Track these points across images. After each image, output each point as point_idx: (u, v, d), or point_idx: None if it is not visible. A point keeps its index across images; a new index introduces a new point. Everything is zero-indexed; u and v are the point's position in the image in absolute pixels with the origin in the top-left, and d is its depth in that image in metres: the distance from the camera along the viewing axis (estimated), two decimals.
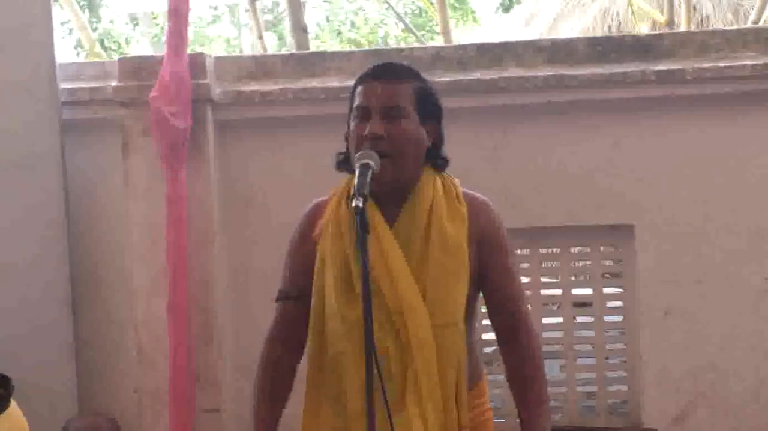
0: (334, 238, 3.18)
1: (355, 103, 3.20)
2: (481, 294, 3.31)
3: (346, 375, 3.13)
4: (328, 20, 21.63)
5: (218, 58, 5.79)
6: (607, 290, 5.77)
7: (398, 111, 3.16)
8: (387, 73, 3.22)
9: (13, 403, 3.58)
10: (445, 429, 3.13)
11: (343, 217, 3.19)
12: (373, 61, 5.52)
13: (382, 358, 2.98)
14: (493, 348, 5.78)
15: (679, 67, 5.42)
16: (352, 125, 3.19)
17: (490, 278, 3.24)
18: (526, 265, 5.80)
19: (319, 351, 3.20)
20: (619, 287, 5.73)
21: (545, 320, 5.75)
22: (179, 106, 5.37)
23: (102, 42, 18.50)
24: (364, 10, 21.70)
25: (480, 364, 3.41)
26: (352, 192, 2.95)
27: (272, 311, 3.38)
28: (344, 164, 3.27)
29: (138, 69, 5.56)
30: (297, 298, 3.28)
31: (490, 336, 5.69)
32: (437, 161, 3.30)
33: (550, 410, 3.32)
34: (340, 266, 3.15)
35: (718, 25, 12.39)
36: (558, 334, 5.73)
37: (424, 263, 3.15)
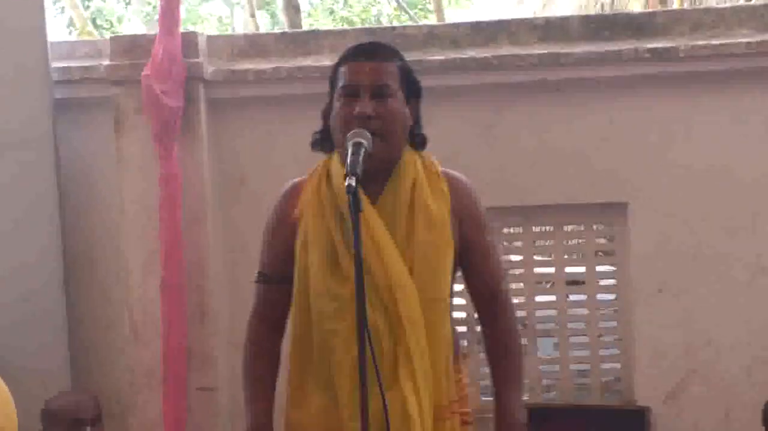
0: (316, 217, 3.19)
1: (342, 83, 3.19)
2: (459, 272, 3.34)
3: (334, 353, 3.13)
4: None
5: (211, 37, 5.77)
6: (600, 268, 5.78)
7: (387, 90, 3.18)
8: (373, 52, 3.24)
9: None
10: (437, 402, 3.17)
11: (324, 196, 3.20)
12: (366, 39, 5.54)
13: (374, 335, 2.99)
14: None
15: (673, 45, 5.42)
16: (338, 104, 3.18)
17: (471, 256, 3.28)
18: (519, 243, 5.81)
19: (304, 332, 3.20)
20: (613, 265, 5.73)
21: (538, 299, 5.76)
22: (171, 85, 5.36)
23: (94, 21, 18.43)
24: None
25: (458, 339, 3.42)
26: (345, 170, 2.95)
27: None
28: (322, 143, 3.28)
29: (130, 48, 5.55)
30: (277, 280, 3.29)
31: None
32: (417, 139, 3.29)
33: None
34: (325, 245, 3.16)
35: (711, 3, 12.38)
36: (551, 312, 5.74)
37: (410, 240, 3.17)
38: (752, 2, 9.29)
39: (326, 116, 3.26)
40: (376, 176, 3.15)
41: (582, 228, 5.75)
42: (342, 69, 3.22)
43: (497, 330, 3.32)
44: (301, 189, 3.27)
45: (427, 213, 3.19)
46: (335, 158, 3.24)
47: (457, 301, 5.26)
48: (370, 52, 3.22)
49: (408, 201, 3.19)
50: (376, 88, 3.16)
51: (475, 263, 3.28)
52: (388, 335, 3.12)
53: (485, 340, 3.35)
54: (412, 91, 3.28)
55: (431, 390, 3.15)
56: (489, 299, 3.31)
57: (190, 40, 5.53)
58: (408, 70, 3.27)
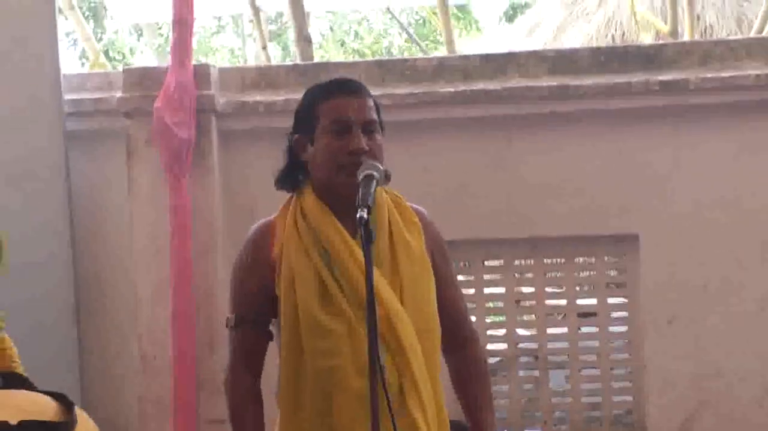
0: (298, 254, 3.15)
1: (331, 118, 3.16)
2: None
3: (337, 389, 3.10)
4: (331, 30, 21.65)
5: (222, 69, 5.80)
6: (611, 300, 5.77)
7: (374, 125, 3.20)
8: (357, 89, 3.24)
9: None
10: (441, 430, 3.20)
11: (304, 232, 3.17)
12: (376, 71, 5.57)
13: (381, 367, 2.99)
14: (498, 359, 5.78)
15: (683, 76, 5.43)
16: (326, 139, 3.15)
17: (440, 286, 3.28)
18: (530, 275, 5.80)
19: (296, 372, 3.13)
20: (624, 297, 5.72)
21: (549, 331, 5.75)
22: (183, 116, 5.39)
23: (106, 52, 18.53)
24: (367, 20, 21.71)
25: None
26: (357, 202, 2.95)
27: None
28: (291, 181, 3.25)
29: (142, 79, 5.58)
30: (255, 322, 3.21)
31: (494, 346, 5.72)
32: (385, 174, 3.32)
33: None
34: (313, 282, 3.13)
35: (722, 35, 12.39)
36: (563, 344, 5.72)
37: (395, 273, 3.18)
38: (762, 35, 9.31)
39: (295, 152, 3.22)
40: (347, 210, 3.14)
41: (593, 260, 5.75)
42: (326, 105, 3.19)
43: (467, 357, 3.34)
44: (273, 228, 3.23)
45: (407, 247, 3.21)
46: (307, 194, 3.21)
47: None
48: (355, 89, 3.23)
49: (387, 235, 3.20)
50: (366, 124, 3.17)
51: (444, 294, 3.30)
52: (391, 366, 3.11)
53: (454, 369, 3.36)
54: (383, 126, 3.30)
55: (436, 417, 3.16)
56: (457, 329, 3.34)
57: (201, 72, 5.56)
58: (380, 106, 3.30)
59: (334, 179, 3.13)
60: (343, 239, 3.12)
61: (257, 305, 3.21)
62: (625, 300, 5.69)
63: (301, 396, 3.15)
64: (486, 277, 5.76)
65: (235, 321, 3.23)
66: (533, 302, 5.78)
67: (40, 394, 3.03)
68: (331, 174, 3.14)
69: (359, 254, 3.07)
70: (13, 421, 2.85)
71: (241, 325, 3.23)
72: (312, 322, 3.11)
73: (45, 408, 2.95)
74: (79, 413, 3.07)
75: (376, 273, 3.08)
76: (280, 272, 3.16)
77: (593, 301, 5.75)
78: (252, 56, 20.04)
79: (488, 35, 19.88)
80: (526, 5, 17.17)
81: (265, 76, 5.75)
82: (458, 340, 3.33)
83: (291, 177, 3.25)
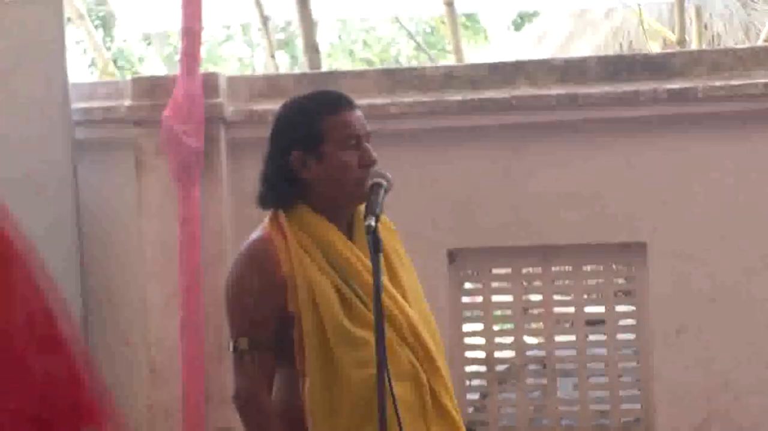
0: (312, 271, 3.14)
1: (345, 132, 3.16)
2: None
3: (374, 396, 3.07)
4: (340, 39, 21.67)
5: (231, 78, 5.81)
6: (619, 308, 5.77)
7: (370, 136, 3.23)
8: (351, 100, 3.25)
9: None
10: None
11: (311, 249, 3.16)
12: (385, 79, 5.58)
13: (412, 372, 3.09)
14: (506, 366, 5.77)
15: (691, 85, 5.43)
16: (340, 153, 3.14)
17: None
18: (538, 283, 5.80)
19: (327, 381, 3.13)
20: (632, 305, 5.72)
21: (558, 339, 5.74)
22: (192, 126, 5.40)
23: (115, 61, 18.56)
24: (375, 29, 21.73)
25: None
26: (368, 210, 2.98)
27: None
28: (282, 198, 3.22)
29: (151, 88, 5.59)
30: (269, 344, 3.17)
31: (502, 354, 5.72)
32: None
33: None
34: (335, 296, 3.13)
35: (730, 44, 12.38)
36: (570, 352, 5.72)
37: (396, 281, 3.22)
38: None
39: (292, 169, 3.19)
40: (340, 218, 3.16)
41: (601, 268, 5.75)
42: (332, 120, 3.17)
43: None
44: (273, 246, 3.18)
45: (398, 255, 3.26)
46: (302, 209, 3.19)
47: None
48: (352, 102, 3.24)
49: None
50: (368, 136, 3.20)
51: None
52: (422, 370, 3.15)
53: None
54: None
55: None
56: None
57: (210, 80, 5.57)
58: None
59: (351, 192, 3.14)
60: (354, 252, 3.15)
61: (272, 327, 3.17)
62: (634, 309, 5.69)
63: (335, 403, 3.15)
64: (494, 285, 5.76)
65: (250, 345, 3.17)
66: (541, 310, 5.78)
67: None
68: (347, 188, 3.15)
69: (370, 265, 3.09)
70: None
71: (257, 348, 3.17)
72: (343, 334, 3.11)
73: None
74: None
75: (387, 280, 3.13)
76: (294, 290, 3.14)
77: (601, 309, 5.75)
78: (260, 65, 20.06)
79: (496, 44, 19.88)
80: (534, 14, 17.16)
81: (274, 85, 5.76)
82: None
83: (286, 194, 3.22)
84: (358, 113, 3.21)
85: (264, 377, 3.20)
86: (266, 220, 3.26)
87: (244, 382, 3.20)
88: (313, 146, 3.17)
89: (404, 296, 3.20)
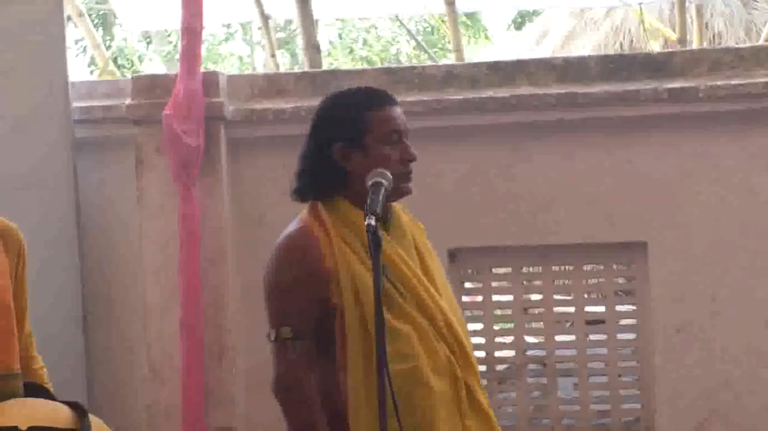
0: (356, 264, 3.17)
1: (389, 127, 3.20)
2: None
3: (419, 388, 3.13)
4: (340, 38, 21.67)
5: (231, 77, 5.81)
6: (619, 307, 5.76)
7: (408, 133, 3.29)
8: (393, 97, 3.31)
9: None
10: None
11: (353, 242, 3.19)
12: (385, 78, 5.57)
13: (449, 366, 3.17)
14: (506, 366, 5.77)
15: (692, 84, 5.42)
16: (383, 147, 3.18)
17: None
18: (538, 282, 5.80)
19: (367, 375, 3.13)
20: (632, 304, 5.72)
21: (558, 338, 5.74)
22: (192, 124, 5.40)
23: (115, 60, 18.56)
24: (376, 28, 21.73)
25: None
26: (372, 210, 2.99)
27: None
28: (323, 190, 3.24)
29: (151, 87, 5.59)
30: (312, 333, 3.19)
31: (502, 354, 5.72)
32: None
33: None
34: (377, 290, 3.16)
35: (730, 43, 12.37)
36: (571, 352, 5.71)
37: (427, 272, 3.26)
38: None
39: (336, 161, 3.21)
40: (384, 216, 3.17)
41: (602, 268, 5.74)
42: (377, 114, 3.21)
43: None
44: (315, 238, 3.21)
45: (426, 247, 3.32)
46: (340, 203, 3.22)
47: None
48: (393, 98, 3.29)
49: (411, 236, 3.29)
50: (407, 133, 3.26)
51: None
52: (458, 365, 3.20)
53: None
54: None
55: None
56: None
57: (210, 79, 5.57)
58: None
59: (392, 186, 3.13)
60: (393, 247, 3.18)
61: (314, 317, 3.19)
62: (634, 308, 5.69)
63: (375, 396, 3.11)
64: (494, 284, 5.76)
65: (293, 333, 3.18)
66: (541, 310, 5.78)
67: (56, 403, 3.06)
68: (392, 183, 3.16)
69: (409, 260, 3.19)
70: (23, 427, 2.88)
71: (300, 337, 3.18)
72: (386, 328, 3.12)
73: (57, 415, 2.97)
74: (96, 421, 3.09)
75: (421, 275, 3.21)
76: (338, 283, 3.16)
77: (602, 309, 5.75)
78: (261, 64, 20.08)
79: (497, 43, 19.91)
80: (535, 13, 17.18)
81: (274, 84, 5.75)
82: None
83: (328, 186, 3.24)
84: (400, 109, 3.26)
85: (307, 365, 3.20)
86: (304, 212, 3.28)
87: (287, 370, 3.20)
88: (357, 138, 3.20)
89: (437, 292, 3.24)
